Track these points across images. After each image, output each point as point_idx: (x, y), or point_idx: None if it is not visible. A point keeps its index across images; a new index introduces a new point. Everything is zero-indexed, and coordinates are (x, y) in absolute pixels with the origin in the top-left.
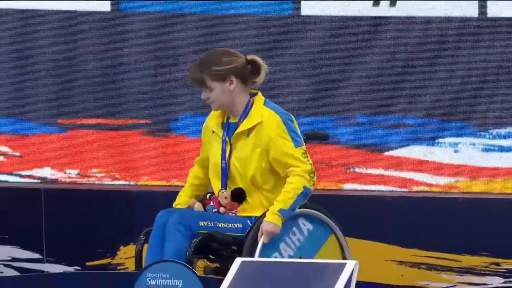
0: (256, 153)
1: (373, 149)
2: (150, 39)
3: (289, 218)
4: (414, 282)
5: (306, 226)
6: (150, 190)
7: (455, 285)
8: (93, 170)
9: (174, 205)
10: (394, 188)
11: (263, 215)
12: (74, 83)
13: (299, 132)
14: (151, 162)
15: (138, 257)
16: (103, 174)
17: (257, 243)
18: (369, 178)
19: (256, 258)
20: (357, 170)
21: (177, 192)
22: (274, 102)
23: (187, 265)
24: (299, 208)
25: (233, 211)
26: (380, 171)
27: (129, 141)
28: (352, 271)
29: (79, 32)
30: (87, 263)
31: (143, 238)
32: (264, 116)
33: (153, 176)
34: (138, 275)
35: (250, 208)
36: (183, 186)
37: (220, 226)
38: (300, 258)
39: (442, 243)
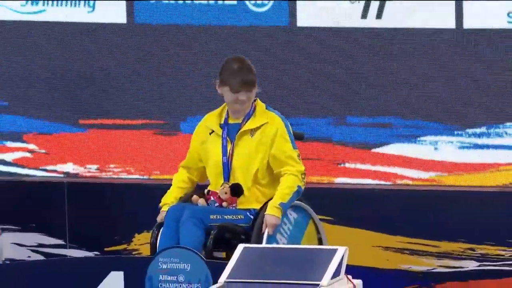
0: (260, 150)
1: (362, 146)
2: (163, 49)
3: None
4: (398, 266)
5: (292, 215)
6: (160, 184)
7: (434, 268)
8: (111, 166)
9: (161, 204)
10: (381, 182)
11: (262, 208)
12: (94, 88)
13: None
14: (162, 158)
15: (153, 249)
16: (119, 169)
17: (262, 234)
18: (358, 173)
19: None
20: (347, 165)
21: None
22: (275, 104)
23: (194, 250)
24: None
25: (233, 205)
26: (367, 166)
27: (142, 139)
28: (343, 255)
29: (99, 42)
30: (105, 249)
31: (156, 232)
32: (269, 118)
33: (163, 170)
34: (151, 259)
35: (247, 202)
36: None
37: (227, 218)
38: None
39: (423, 230)
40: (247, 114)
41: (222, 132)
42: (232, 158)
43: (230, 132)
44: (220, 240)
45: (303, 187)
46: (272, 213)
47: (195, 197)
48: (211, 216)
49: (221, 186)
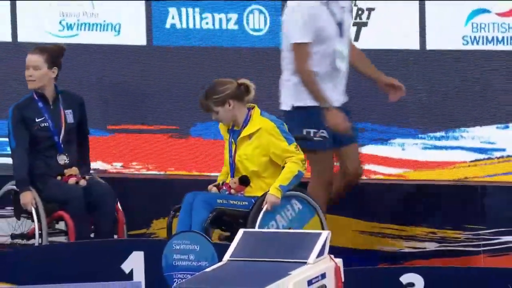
0: (257, 151)
1: None
2: (176, 67)
3: (286, 198)
4: (372, 247)
5: (297, 205)
6: (175, 178)
7: (402, 249)
8: (133, 163)
9: (218, 180)
10: None
11: (264, 194)
12: (119, 99)
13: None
14: (175, 158)
15: (169, 227)
16: (140, 166)
17: (260, 209)
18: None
19: (257, 225)
20: None
21: (195, 180)
22: (271, 110)
23: (203, 234)
24: (295, 191)
25: (241, 192)
26: None
27: (159, 141)
28: (326, 238)
29: (123, 60)
30: (128, 232)
31: (173, 213)
32: (262, 123)
33: (177, 167)
34: (167, 242)
35: (253, 191)
36: (200, 175)
37: (232, 203)
38: (289, 229)
39: (393, 217)
40: (244, 121)
41: (229, 137)
42: (235, 159)
43: (235, 136)
44: (220, 222)
45: (303, 171)
46: (272, 192)
47: (210, 186)
48: (218, 201)
49: (231, 179)
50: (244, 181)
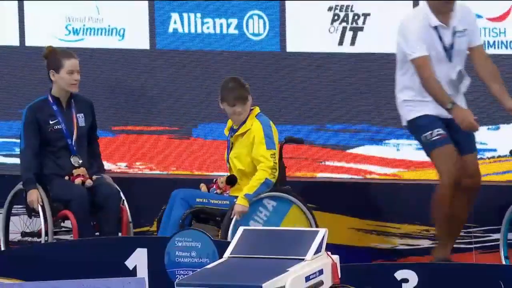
0: (244, 151)
1: (338, 148)
2: (179, 70)
3: (256, 202)
4: (368, 244)
5: (270, 204)
6: (176, 178)
7: (397, 246)
8: (137, 163)
9: None
10: (354, 176)
11: (233, 204)
12: (124, 101)
13: (275, 139)
14: (178, 158)
15: (159, 221)
16: (143, 166)
17: (231, 219)
18: (335, 169)
19: (229, 234)
20: (326, 163)
21: (197, 179)
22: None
23: (204, 231)
24: (269, 192)
25: (227, 192)
26: (343, 164)
27: (162, 142)
28: (323, 236)
29: (127, 64)
30: (133, 230)
31: (162, 210)
32: (252, 125)
33: (179, 167)
34: (169, 239)
35: (238, 190)
36: (201, 175)
37: (212, 202)
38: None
39: (388, 215)
40: (243, 121)
41: (229, 135)
42: (229, 156)
43: (232, 135)
44: (197, 219)
45: (272, 180)
46: (239, 202)
47: (201, 184)
48: (198, 199)
49: (218, 178)
50: (231, 181)
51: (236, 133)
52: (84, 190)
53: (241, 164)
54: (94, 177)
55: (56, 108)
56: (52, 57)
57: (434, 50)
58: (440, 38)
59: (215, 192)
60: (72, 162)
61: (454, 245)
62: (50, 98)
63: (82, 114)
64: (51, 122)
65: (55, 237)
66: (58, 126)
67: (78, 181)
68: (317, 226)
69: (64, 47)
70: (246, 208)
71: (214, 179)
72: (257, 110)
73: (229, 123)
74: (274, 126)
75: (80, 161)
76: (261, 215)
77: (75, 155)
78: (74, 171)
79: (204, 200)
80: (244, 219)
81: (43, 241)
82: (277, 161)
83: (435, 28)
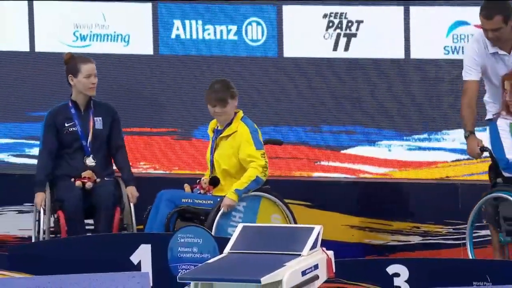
0: (230, 152)
1: (332, 148)
2: (181, 74)
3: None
4: (361, 240)
5: (241, 205)
6: (178, 177)
7: (388, 242)
8: (141, 163)
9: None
10: (347, 176)
11: (223, 197)
12: (129, 104)
13: (261, 139)
14: (179, 158)
15: (145, 219)
16: (148, 166)
17: (215, 217)
18: (330, 169)
19: (214, 226)
20: (322, 163)
21: (198, 178)
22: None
23: (205, 228)
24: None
25: (210, 192)
26: (337, 164)
27: (165, 143)
28: (319, 232)
29: (132, 69)
30: (137, 227)
31: (148, 209)
32: (238, 127)
33: (181, 167)
34: (171, 236)
35: (221, 190)
36: (201, 174)
37: (197, 202)
38: None
39: (380, 213)
40: (228, 123)
41: (213, 136)
42: (213, 156)
43: (217, 136)
44: (182, 218)
45: (262, 178)
46: (228, 196)
47: (185, 185)
48: (183, 200)
49: (202, 179)
50: (214, 181)
51: (222, 135)
52: (78, 191)
53: (226, 164)
54: (97, 180)
55: (74, 112)
56: (71, 62)
57: (495, 77)
58: (504, 63)
59: (198, 192)
60: (86, 162)
61: (443, 242)
62: (70, 103)
63: (100, 118)
64: (66, 125)
65: (51, 236)
66: (74, 128)
67: (78, 183)
68: (291, 214)
69: (73, 52)
70: (234, 203)
71: (198, 180)
72: (241, 113)
73: (212, 123)
74: (258, 129)
75: (94, 162)
76: (236, 219)
77: (89, 155)
78: (83, 173)
79: (189, 200)
80: (223, 229)
81: (41, 239)
82: (267, 160)
83: (494, 54)
